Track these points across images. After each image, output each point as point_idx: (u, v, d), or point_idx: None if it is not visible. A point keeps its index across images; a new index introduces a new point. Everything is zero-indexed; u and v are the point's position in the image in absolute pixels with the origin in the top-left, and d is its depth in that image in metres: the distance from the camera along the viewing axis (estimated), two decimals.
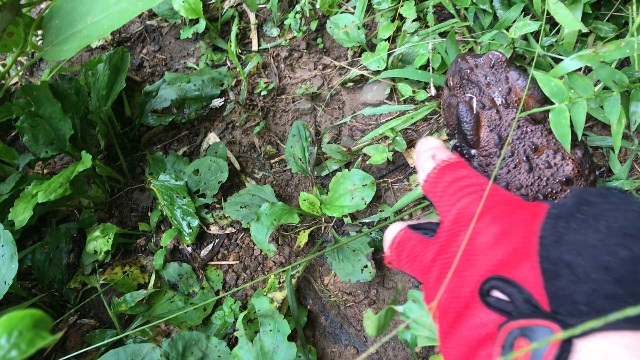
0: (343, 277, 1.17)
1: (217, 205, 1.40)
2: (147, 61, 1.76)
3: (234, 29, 1.62)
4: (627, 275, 0.59)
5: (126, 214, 1.48)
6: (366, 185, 1.18)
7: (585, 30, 1.02)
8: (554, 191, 0.96)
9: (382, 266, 1.25)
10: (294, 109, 1.50)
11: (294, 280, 1.23)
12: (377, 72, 1.36)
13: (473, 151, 0.97)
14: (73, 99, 1.39)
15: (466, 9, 1.25)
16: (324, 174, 1.35)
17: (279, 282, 1.25)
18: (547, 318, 0.60)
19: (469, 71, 0.98)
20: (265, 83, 1.54)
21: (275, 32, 1.62)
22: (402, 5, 1.33)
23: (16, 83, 1.88)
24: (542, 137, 0.94)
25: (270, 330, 1.05)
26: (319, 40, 1.54)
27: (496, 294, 0.68)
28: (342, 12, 1.47)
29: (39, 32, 1.00)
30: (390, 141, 1.26)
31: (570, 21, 0.96)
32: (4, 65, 1.86)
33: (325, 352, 1.21)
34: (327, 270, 1.28)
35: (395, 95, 1.36)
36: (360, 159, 1.32)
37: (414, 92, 1.28)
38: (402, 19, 1.38)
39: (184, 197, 1.34)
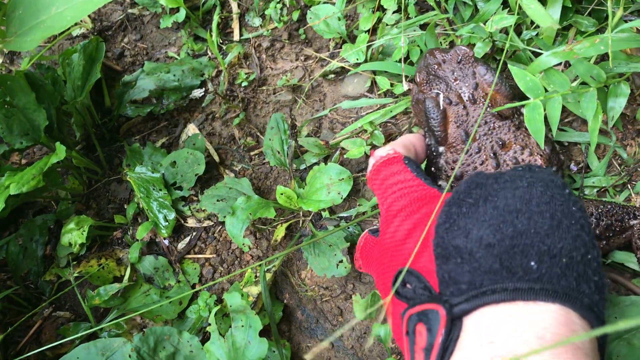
0: (318, 272, 1.16)
1: (195, 198, 1.39)
2: (128, 50, 1.74)
3: (215, 18, 1.60)
4: (506, 250, 0.61)
5: (104, 205, 1.46)
6: (343, 179, 1.17)
7: (557, 26, 1.01)
8: None
9: None
10: (274, 100, 1.48)
11: (269, 275, 1.22)
12: (358, 65, 1.34)
13: (441, 148, 0.96)
14: (49, 89, 1.36)
15: (446, 1, 1.23)
16: (302, 167, 1.34)
17: (255, 277, 1.24)
18: (434, 301, 0.63)
19: (436, 67, 0.97)
20: (246, 74, 1.52)
21: (257, 21, 1.60)
22: None
23: None
24: (509, 133, 0.92)
25: (242, 326, 1.04)
26: (301, 30, 1.52)
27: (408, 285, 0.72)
28: (323, 3, 1.45)
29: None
30: (369, 135, 1.25)
31: (542, 16, 0.94)
32: None
33: (300, 346, 1.20)
34: (304, 265, 1.27)
35: (376, 88, 1.35)
36: (338, 152, 1.30)
37: (392, 85, 1.26)
38: (383, 10, 1.36)
39: (161, 190, 1.32)
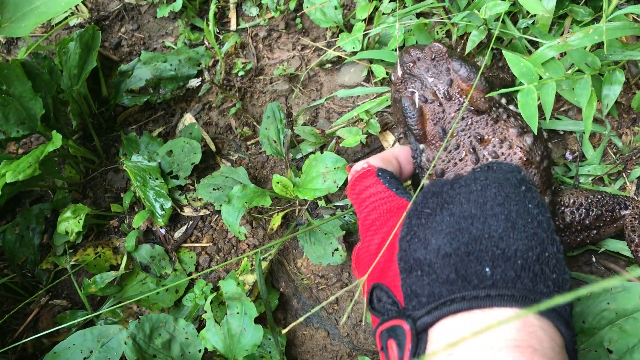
0: (314, 260, 1.17)
1: (191, 187, 1.39)
2: (125, 40, 1.73)
3: (212, 7, 1.59)
4: (461, 258, 0.62)
5: (100, 194, 1.46)
6: (338, 168, 1.17)
7: (548, 14, 1.01)
8: None
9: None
10: (271, 90, 1.48)
11: (265, 263, 1.23)
12: (354, 54, 1.34)
13: (422, 146, 0.96)
14: (45, 77, 1.36)
15: None
16: (299, 156, 1.34)
17: (251, 265, 1.24)
18: (400, 317, 0.64)
19: (411, 65, 0.96)
20: (243, 63, 1.52)
21: (254, 11, 1.60)
22: None
23: None
24: (487, 127, 0.92)
25: (238, 313, 1.04)
26: (298, 20, 1.52)
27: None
28: None
29: None
30: (365, 123, 1.25)
31: (534, 4, 0.94)
32: None
33: (296, 334, 1.21)
34: (300, 253, 1.27)
35: (372, 76, 1.35)
36: (334, 141, 1.30)
37: (387, 73, 1.26)
38: None
39: (157, 179, 1.32)
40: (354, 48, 1.30)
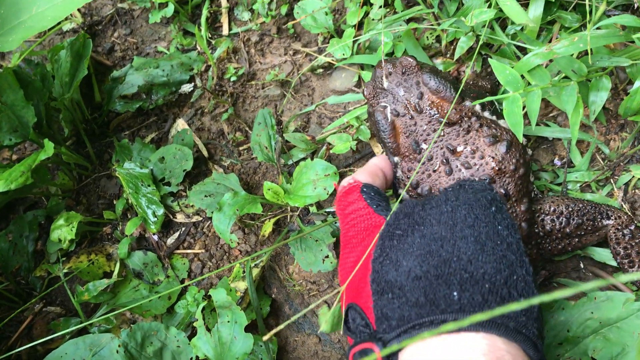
0: (305, 267, 1.17)
1: (184, 194, 1.39)
2: (119, 45, 1.74)
3: (204, 12, 1.59)
4: (431, 282, 0.63)
5: (93, 201, 1.47)
6: (329, 175, 1.18)
7: (532, 24, 1.01)
8: None
9: None
10: (263, 95, 1.49)
11: (257, 270, 1.23)
12: (344, 59, 1.34)
13: (396, 158, 0.97)
14: (38, 85, 1.37)
15: None
16: (290, 162, 1.35)
17: (243, 272, 1.24)
18: (371, 339, 0.65)
19: (383, 79, 0.97)
20: (235, 68, 1.52)
21: (246, 15, 1.60)
22: None
23: None
24: (459, 138, 0.92)
25: (228, 322, 1.05)
26: (290, 25, 1.52)
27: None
28: None
29: None
30: (355, 130, 1.25)
31: (518, 14, 0.95)
32: None
33: (288, 340, 1.22)
34: (292, 259, 1.28)
35: (363, 82, 1.35)
36: (324, 148, 1.31)
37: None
38: (371, 4, 1.36)
39: (149, 186, 1.33)
40: (343, 54, 1.30)
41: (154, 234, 1.35)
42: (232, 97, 1.51)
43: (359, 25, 1.34)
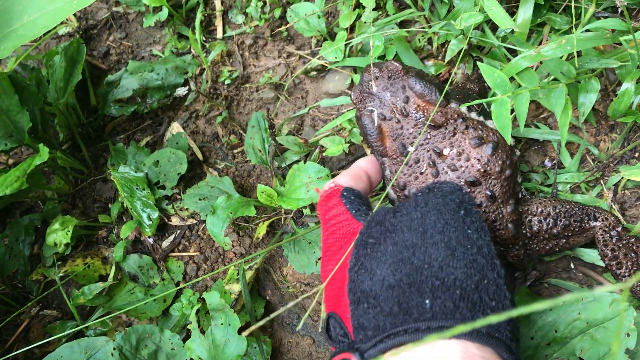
0: (298, 270, 1.18)
1: (178, 197, 1.40)
2: (114, 49, 1.75)
3: (198, 15, 1.60)
4: (404, 290, 0.64)
5: (89, 205, 1.48)
6: (321, 177, 1.18)
7: (518, 29, 1.02)
8: None
9: None
10: (257, 98, 1.50)
11: (251, 272, 1.24)
12: (337, 62, 1.35)
13: (384, 159, 0.98)
14: (33, 90, 1.38)
15: None
16: (284, 165, 1.36)
17: (238, 274, 1.25)
18: (349, 349, 0.66)
19: (370, 84, 0.98)
20: (229, 71, 1.53)
21: (240, 19, 1.61)
22: None
23: None
24: (445, 141, 0.93)
25: (222, 324, 1.06)
26: (283, 28, 1.53)
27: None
28: (304, 0, 1.45)
29: None
30: (348, 132, 1.26)
31: (503, 19, 0.95)
32: None
33: (282, 342, 1.23)
34: (286, 261, 1.29)
35: (354, 85, 1.36)
36: (317, 150, 1.32)
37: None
38: (363, 7, 1.36)
39: (144, 189, 1.34)
40: (336, 57, 1.31)
41: (149, 237, 1.36)
42: (226, 100, 1.52)
43: (352, 28, 1.34)
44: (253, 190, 1.39)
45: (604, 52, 1.10)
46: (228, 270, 1.27)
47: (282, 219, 1.32)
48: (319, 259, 1.17)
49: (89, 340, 1.09)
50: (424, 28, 1.26)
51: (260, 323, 0.60)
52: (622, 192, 1.09)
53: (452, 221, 0.71)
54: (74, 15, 1.82)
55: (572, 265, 1.08)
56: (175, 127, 1.51)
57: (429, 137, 0.95)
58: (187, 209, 1.38)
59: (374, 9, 1.33)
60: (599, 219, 0.97)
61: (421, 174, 0.95)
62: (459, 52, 1.20)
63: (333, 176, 1.28)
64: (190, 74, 1.57)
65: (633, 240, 0.96)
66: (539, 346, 0.86)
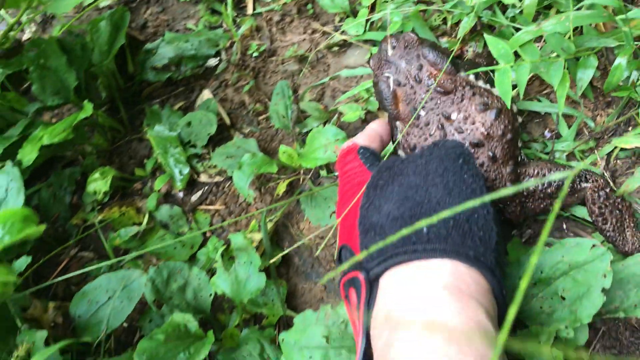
0: (314, 222, 1.30)
1: (207, 156, 1.53)
2: (151, 22, 1.88)
3: None
4: (406, 221, 0.76)
5: (125, 161, 1.61)
6: (338, 140, 1.30)
7: (518, 4, 1.12)
8: None
9: None
10: (282, 69, 1.61)
11: (271, 224, 1.36)
12: (359, 36, 1.46)
13: (397, 123, 1.09)
14: (78, 53, 1.51)
15: None
16: (304, 130, 1.47)
17: (259, 226, 1.38)
18: (357, 269, 0.78)
19: (387, 52, 1.09)
20: (257, 45, 1.65)
21: None
22: None
23: (29, 39, 2.01)
24: (453, 106, 1.04)
25: (244, 262, 1.18)
26: (309, 6, 1.64)
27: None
28: None
29: None
30: (365, 101, 1.37)
31: None
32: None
33: (297, 287, 1.35)
34: (302, 217, 1.41)
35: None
36: (336, 116, 1.43)
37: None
38: None
39: (177, 147, 1.47)
40: (357, 32, 1.42)
41: (179, 191, 1.49)
42: (253, 71, 1.64)
43: (373, 7, 1.45)
44: (275, 153, 1.51)
45: (603, 33, 1.20)
46: (250, 222, 1.39)
47: (301, 179, 1.44)
48: (332, 213, 1.28)
49: (124, 272, 1.22)
50: (439, 8, 1.36)
51: (283, 253, 0.72)
52: (614, 161, 1.18)
53: (451, 167, 0.82)
54: None
55: (564, 226, 1.18)
56: (206, 94, 1.63)
57: (438, 102, 1.05)
58: (215, 166, 1.50)
59: None
60: (589, 180, 1.07)
61: (430, 135, 1.06)
62: (471, 31, 1.31)
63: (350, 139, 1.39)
64: (222, 46, 1.69)
65: (619, 200, 1.06)
66: (527, 286, 0.96)
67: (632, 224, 1.06)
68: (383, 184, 0.85)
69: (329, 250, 1.36)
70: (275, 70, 1.63)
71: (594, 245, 0.93)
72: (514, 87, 1.09)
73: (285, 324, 1.29)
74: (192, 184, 1.52)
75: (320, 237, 1.37)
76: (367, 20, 1.43)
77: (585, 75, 1.13)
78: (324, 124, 1.45)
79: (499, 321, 0.75)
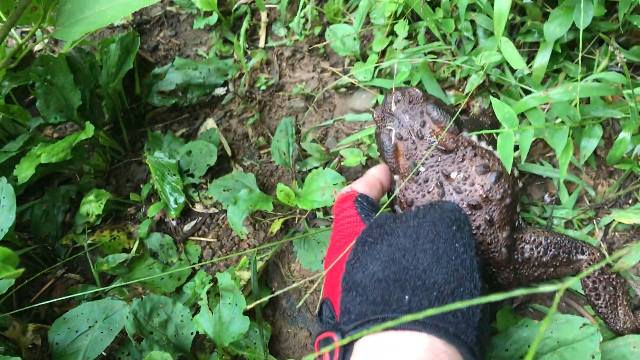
0: (305, 265, 1.28)
1: (204, 186, 1.52)
2: (163, 44, 1.88)
3: (245, 24, 1.73)
4: (389, 285, 0.74)
5: (122, 183, 1.60)
6: (337, 184, 1.29)
7: (527, 70, 1.12)
8: None
9: None
10: (288, 105, 1.61)
11: (262, 263, 1.34)
12: (366, 82, 1.46)
13: (396, 176, 1.08)
14: (86, 72, 1.51)
15: (450, 34, 1.34)
16: (304, 169, 1.46)
17: (249, 263, 1.36)
18: (333, 329, 0.77)
19: (392, 105, 1.09)
20: (266, 78, 1.66)
21: (282, 32, 1.73)
22: (396, 23, 1.43)
23: (40, 50, 2.01)
24: (453, 165, 1.03)
25: (229, 303, 1.16)
26: (321, 45, 1.65)
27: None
28: (343, 22, 1.57)
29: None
30: (367, 147, 1.37)
31: (516, 60, 1.05)
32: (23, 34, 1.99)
33: (281, 331, 1.32)
34: (294, 258, 1.39)
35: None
36: (337, 160, 1.42)
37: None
38: (396, 35, 1.48)
39: (174, 175, 1.46)
40: (365, 77, 1.42)
41: (173, 220, 1.48)
42: (259, 104, 1.63)
43: (383, 53, 1.46)
44: (273, 189, 1.50)
45: (610, 103, 1.20)
46: (241, 258, 1.37)
47: (296, 219, 1.43)
48: (324, 259, 1.27)
49: (107, 302, 1.20)
50: (449, 61, 1.36)
51: (266, 298, 0.70)
52: (613, 233, 1.17)
53: (444, 234, 0.81)
54: None
55: (556, 295, 1.16)
56: (210, 123, 1.63)
57: (439, 160, 1.05)
58: (211, 198, 1.49)
59: (405, 38, 1.44)
60: (586, 253, 1.05)
61: (428, 192, 1.05)
62: (479, 87, 1.31)
63: (348, 184, 1.38)
64: (230, 76, 1.69)
65: (614, 276, 1.04)
66: (513, 358, 0.94)
67: (625, 302, 1.04)
68: (372, 241, 0.84)
69: (317, 295, 1.34)
70: (281, 105, 1.63)
71: (584, 324, 0.91)
72: (517, 148, 1.08)
73: None
74: (186, 213, 1.51)
75: (310, 281, 1.35)
76: (375, 67, 1.43)
77: (590, 144, 1.12)
78: (325, 165, 1.44)
79: None
